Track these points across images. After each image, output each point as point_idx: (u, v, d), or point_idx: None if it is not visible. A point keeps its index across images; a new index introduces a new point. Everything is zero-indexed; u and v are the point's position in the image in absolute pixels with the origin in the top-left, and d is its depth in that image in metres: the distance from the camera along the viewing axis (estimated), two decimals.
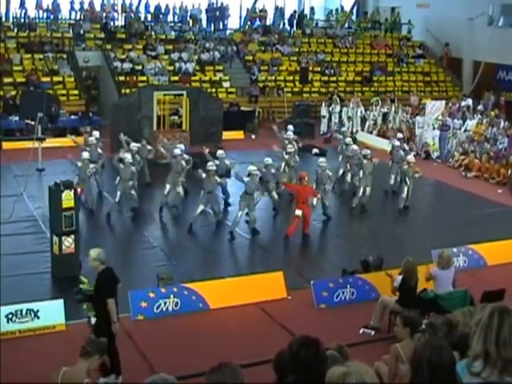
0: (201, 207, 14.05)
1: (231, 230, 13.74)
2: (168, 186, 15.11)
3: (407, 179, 16.00)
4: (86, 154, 15.24)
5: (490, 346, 3.44)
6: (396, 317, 8.39)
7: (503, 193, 18.28)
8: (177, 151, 15.57)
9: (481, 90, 29.40)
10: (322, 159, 15.88)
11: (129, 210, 14.99)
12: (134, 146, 16.25)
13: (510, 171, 19.02)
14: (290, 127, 19.03)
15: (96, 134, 17.39)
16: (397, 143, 18.09)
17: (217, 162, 14.97)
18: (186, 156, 15.78)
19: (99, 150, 16.37)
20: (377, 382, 3.47)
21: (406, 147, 18.96)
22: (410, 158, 16.52)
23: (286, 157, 16.92)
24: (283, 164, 16.95)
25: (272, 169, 15.23)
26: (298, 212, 13.68)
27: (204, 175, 14.03)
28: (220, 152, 15.99)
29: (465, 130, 22.90)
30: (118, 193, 14.74)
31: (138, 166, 15.75)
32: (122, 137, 16.78)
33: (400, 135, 20.04)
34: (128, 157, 14.90)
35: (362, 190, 15.67)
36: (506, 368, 3.43)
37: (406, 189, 16.00)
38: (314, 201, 14.47)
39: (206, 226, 14.26)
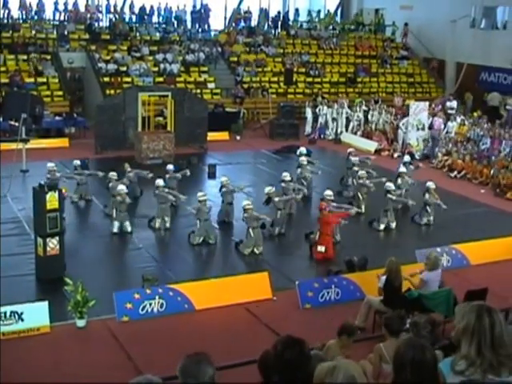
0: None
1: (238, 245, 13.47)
2: (159, 221, 14.38)
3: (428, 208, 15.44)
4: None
5: (485, 348, 3.43)
6: (381, 316, 8.46)
7: (486, 193, 18.47)
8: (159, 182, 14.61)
9: (463, 91, 29.62)
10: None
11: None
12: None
13: (492, 171, 19.23)
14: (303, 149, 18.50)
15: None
16: (404, 170, 17.16)
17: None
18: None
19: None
20: (363, 378, 3.51)
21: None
22: (431, 184, 15.69)
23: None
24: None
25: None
26: (321, 248, 12.92)
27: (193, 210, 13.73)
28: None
29: (446, 132, 23.09)
30: (116, 224, 13.86)
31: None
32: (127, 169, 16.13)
33: (408, 158, 18.43)
34: (123, 188, 14.12)
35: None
36: (491, 366, 3.44)
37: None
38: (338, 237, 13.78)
39: (191, 227, 14.18)
